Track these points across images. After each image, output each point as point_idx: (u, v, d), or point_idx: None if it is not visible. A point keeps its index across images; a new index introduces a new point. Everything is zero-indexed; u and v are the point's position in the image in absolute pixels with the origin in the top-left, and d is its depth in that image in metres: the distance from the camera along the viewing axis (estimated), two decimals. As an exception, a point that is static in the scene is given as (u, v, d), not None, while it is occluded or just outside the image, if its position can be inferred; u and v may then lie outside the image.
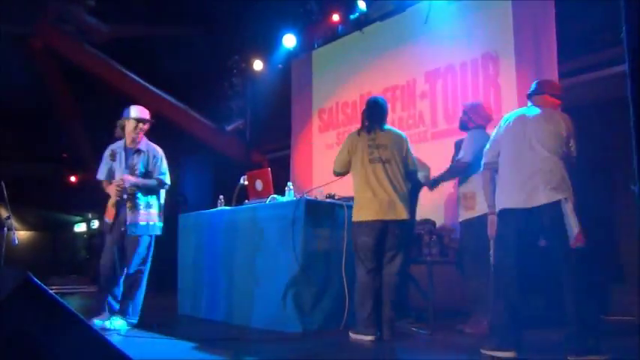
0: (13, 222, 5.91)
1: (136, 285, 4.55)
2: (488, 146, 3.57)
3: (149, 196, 4.64)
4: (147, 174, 4.64)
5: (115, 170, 4.63)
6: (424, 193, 4.73)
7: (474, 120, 4.42)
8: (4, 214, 6.04)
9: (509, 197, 3.33)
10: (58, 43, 9.45)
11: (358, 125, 4.24)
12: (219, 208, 5.33)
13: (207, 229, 5.33)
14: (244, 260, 4.72)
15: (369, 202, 3.95)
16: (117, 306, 4.47)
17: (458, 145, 4.55)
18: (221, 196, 5.43)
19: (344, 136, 7.24)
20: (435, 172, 4.65)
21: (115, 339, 3.86)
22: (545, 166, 3.22)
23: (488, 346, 3.20)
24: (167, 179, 4.73)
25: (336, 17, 7.73)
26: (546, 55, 5.25)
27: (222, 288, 4.95)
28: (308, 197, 4.51)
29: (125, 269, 4.51)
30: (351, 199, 4.24)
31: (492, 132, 3.63)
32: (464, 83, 6.07)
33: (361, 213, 3.99)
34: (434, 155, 5.44)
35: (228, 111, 9.69)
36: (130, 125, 4.64)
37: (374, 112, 4.17)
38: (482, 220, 3.92)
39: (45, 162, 13.81)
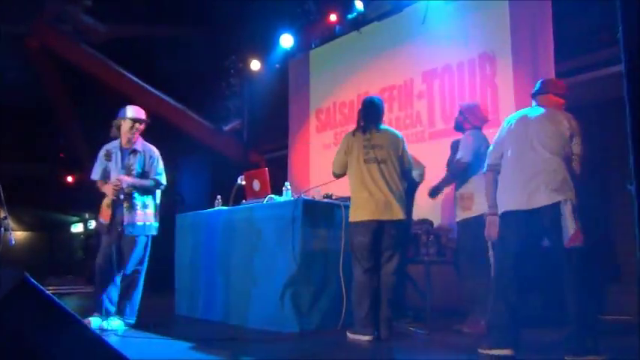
0: (10, 222, 5.89)
1: (133, 285, 4.55)
2: (491, 147, 3.56)
3: (145, 197, 4.63)
4: (143, 174, 4.63)
5: (110, 170, 4.59)
6: (421, 193, 4.73)
7: (470, 120, 4.43)
8: (1, 214, 6.02)
9: (510, 199, 3.33)
10: (55, 43, 9.45)
11: (355, 125, 4.24)
12: (216, 208, 5.33)
13: (204, 229, 5.33)
14: (242, 260, 4.72)
15: (366, 202, 3.96)
16: (112, 308, 4.45)
17: (454, 146, 4.55)
18: (218, 196, 5.43)
19: (341, 136, 7.23)
20: (433, 172, 4.66)
21: (112, 339, 3.86)
22: (547, 167, 3.21)
23: (486, 345, 3.21)
24: (163, 179, 4.72)
25: (333, 17, 7.73)
26: (543, 55, 5.26)
27: (220, 288, 4.95)
28: (305, 197, 4.51)
29: (122, 270, 4.50)
30: (349, 199, 4.24)
31: (496, 133, 3.62)
32: (461, 83, 6.08)
33: (357, 213, 4.00)
34: (431, 155, 5.45)
35: (226, 111, 9.68)
36: (126, 125, 4.62)
37: (369, 112, 4.17)
38: (479, 220, 3.93)
39: (42, 162, 13.79)
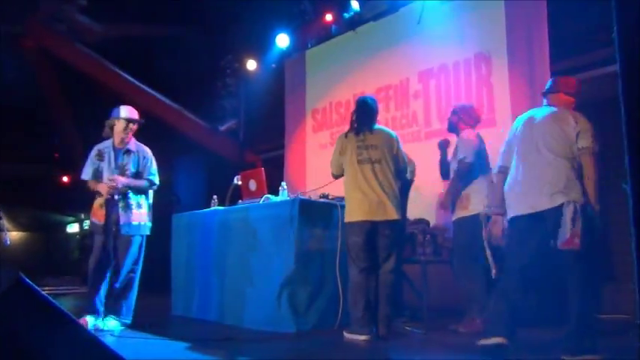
0: (5, 223, 5.87)
1: (129, 285, 4.54)
2: (503, 149, 3.57)
3: (139, 196, 4.64)
4: (137, 174, 4.63)
5: (102, 170, 4.57)
6: (417, 193, 4.74)
7: (465, 120, 4.43)
8: (-4, 215, 6.00)
9: (516, 202, 3.34)
10: (50, 43, 9.42)
11: (349, 126, 4.23)
12: (212, 208, 5.32)
13: (200, 229, 5.32)
14: (238, 260, 4.71)
15: (359, 202, 3.97)
16: (102, 308, 4.42)
17: (442, 146, 4.58)
18: (215, 196, 5.42)
19: (337, 136, 7.27)
20: (430, 171, 4.66)
21: (107, 339, 3.85)
22: (551, 169, 3.20)
23: (483, 337, 3.22)
24: (157, 180, 4.72)
25: (329, 17, 7.73)
26: (539, 54, 5.27)
27: (216, 288, 4.95)
28: (302, 197, 4.51)
29: (117, 270, 4.48)
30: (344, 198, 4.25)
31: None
32: (457, 83, 6.09)
33: (351, 214, 4.01)
34: (427, 155, 5.45)
35: (222, 111, 9.67)
36: (119, 125, 4.61)
37: (362, 113, 4.17)
38: (475, 219, 3.95)
39: (37, 162, 13.75)
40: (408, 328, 4.28)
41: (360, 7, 7.29)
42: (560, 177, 3.17)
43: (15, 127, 12.03)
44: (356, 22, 7.38)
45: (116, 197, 4.46)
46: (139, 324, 4.48)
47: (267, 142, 9.18)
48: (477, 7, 5.92)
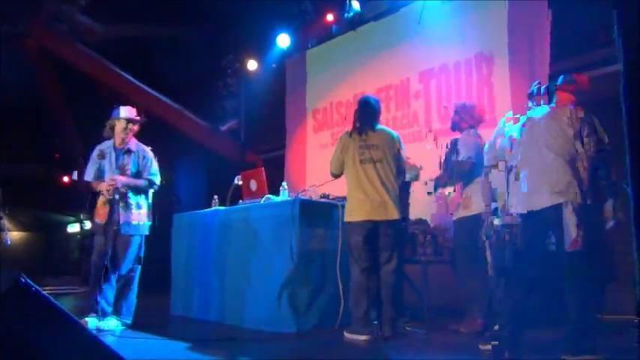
0: (6, 223, 5.87)
1: (129, 285, 4.56)
2: (513, 149, 3.56)
3: (139, 196, 4.65)
4: (137, 174, 4.65)
5: (104, 170, 4.60)
6: (417, 193, 4.73)
7: (467, 120, 4.43)
8: (-3, 215, 6.00)
9: (518, 202, 3.34)
10: (51, 43, 9.42)
11: (351, 126, 4.24)
12: (213, 208, 5.32)
13: (201, 229, 5.32)
14: (238, 260, 4.71)
15: (361, 202, 3.97)
16: (108, 308, 4.45)
17: (451, 147, 4.55)
18: (215, 196, 5.42)
19: (338, 136, 7.25)
20: (430, 172, 4.64)
21: (108, 339, 3.85)
22: (551, 169, 3.20)
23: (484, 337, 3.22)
24: (157, 179, 4.74)
25: (330, 17, 7.73)
26: (539, 55, 5.26)
27: (216, 288, 4.95)
28: (302, 197, 4.51)
29: (117, 270, 4.49)
30: (345, 198, 4.25)
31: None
32: (458, 83, 6.08)
33: (352, 213, 4.02)
34: (428, 155, 5.44)
35: (223, 111, 9.67)
36: (119, 125, 4.64)
37: (364, 112, 4.18)
38: (477, 218, 3.94)
39: (38, 162, 13.76)
40: (408, 328, 4.27)
41: (360, 7, 7.28)
42: (560, 177, 3.17)
43: (15, 127, 12.02)
44: (356, 22, 7.38)
45: (116, 197, 4.47)
46: (139, 324, 4.48)
47: (267, 142, 9.18)
48: (478, 7, 5.91)
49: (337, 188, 4.63)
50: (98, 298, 4.41)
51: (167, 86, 9.38)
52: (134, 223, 4.55)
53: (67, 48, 9.30)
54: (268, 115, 9.04)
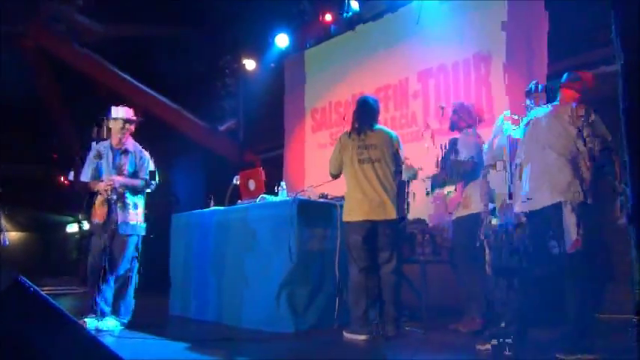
0: (4, 223, 5.87)
1: (127, 284, 4.58)
2: (517, 148, 3.57)
3: (135, 196, 4.67)
4: (134, 174, 4.67)
5: (101, 170, 4.61)
6: (415, 193, 4.73)
7: (466, 119, 4.43)
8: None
9: (522, 200, 3.34)
10: (49, 43, 9.40)
11: (350, 125, 4.24)
12: (211, 208, 5.32)
13: (199, 229, 5.32)
14: (237, 260, 4.71)
15: (359, 202, 3.98)
16: (107, 309, 4.45)
17: (451, 145, 4.55)
18: (211, 196, 5.42)
19: (337, 136, 7.25)
20: (427, 171, 4.64)
21: (107, 340, 3.85)
22: (553, 169, 3.21)
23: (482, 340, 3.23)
24: (154, 178, 4.75)
25: (328, 17, 7.73)
26: (537, 54, 5.27)
27: (214, 288, 4.94)
28: (301, 197, 4.51)
29: (115, 270, 4.50)
30: (344, 198, 4.26)
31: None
32: (456, 83, 6.09)
33: (351, 213, 4.02)
34: (427, 153, 5.44)
35: (221, 111, 9.67)
36: (116, 125, 4.66)
37: (363, 112, 4.19)
38: (476, 217, 3.94)
39: (36, 163, 13.73)
40: (407, 327, 4.27)
41: (359, 7, 7.29)
42: (561, 176, 3.17)
43: (14, 128, 12.01)
44: (355, 22, 7.38)
45: (114, 197, 4.48)
46: (137, 324, 4.48)
47: (266, 141, 9.17)
48: (476, 7, 5.92)
49: (336, 188, 4.63)
50: (97, 299, 4.40)
51: (165, 86, 9.37)
52: (132, 223, 4.56)
53: (65, 48, 9.29)
54: (267, 115, 9.04)
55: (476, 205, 4.09)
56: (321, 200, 4.66)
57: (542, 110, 3.46)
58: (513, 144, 3.76)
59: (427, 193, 4.52)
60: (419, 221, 4.89)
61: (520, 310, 3.21)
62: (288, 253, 4.21)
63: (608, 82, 3.25)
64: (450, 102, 5.74)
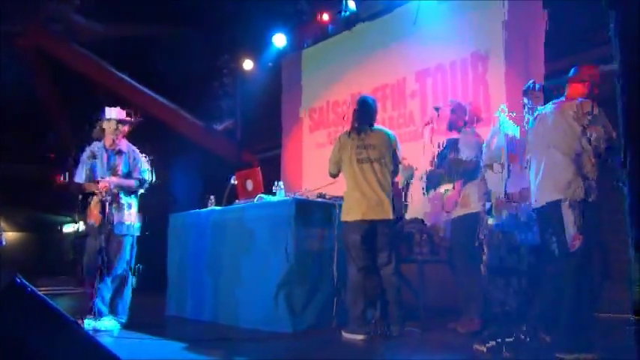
0: (1, 223, 5.86)
1: (124, 284, 4.60)
2: (526, 146, 3.58)
3: (129, 197, 4.69)
4: (128, 174, 4.69)
5: (95, 171, 4.63)
6: (413, 192, 4.73)
7: (463, 118, 4.43)
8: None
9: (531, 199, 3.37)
10: (47, 43, 9.38)
11: (349, 125, 4.25)
12: (209, 208, 5.31)
13: (197, 229, 5.31)
14: (234, 260, 4.71)
15: (358, 202, 3.99)
16: (105, 309, 4.45)
17: (452, 144, 4.53)
18: (211, 196, 5.42)
19: (334, 136, 7.26)
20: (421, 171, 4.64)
21: (104, 340, 3.84)
22: (556, 167, 3.21)
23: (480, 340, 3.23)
24: (147, 176, 4.76)
25: (325, 17, 7.73)
26: (534, 54, 5.28)
27: (212, 288, 4.94)
28: (299, 197, 4.51)
29: (112, 270, 4.50)
30: (341, 198, 4.26)
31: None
32: (454, 82, 6.10)
33: (349, 213, 4.03)
34: (423, 154, 5.44)
35: (219, 110, 9.66)
36: (110, 126, 4.68)
37: (363, 112, 4.20)
38: (475, 216, 3.95)
39: (33, 163, 13.69)
40: (405, 327, 4.27)
41: (356, 6, 7.29)
42: (564, 174, 3.16)
43: (11, 128, 11.98)
44: (352, 21, 7.38)
45: (108, 197, 4.49)
46: (135, 324, 4.48)
47: (263, 141, 9.17)
48: (473, 6, 5.92)
49: (333, 188, 4.63)
50: (94, 299, 4.40)
51: (163, 86, 9.36)
52: (127, 223, 4.59)
53: (63, 48, 9.27)
54: (264, 114, 9.04)
55: (475, 205, 4.10)
56: (319, 200, 4.66)
57: (549, 106, 3.45)
58: (511, 144, 3.77)
59: (424, 193, 4.52)
60: (416, 221, 4.89)
61: (519, 310, 3.21)
62: (285, 253, 4.21)
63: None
64: (447, 101, 5.75)
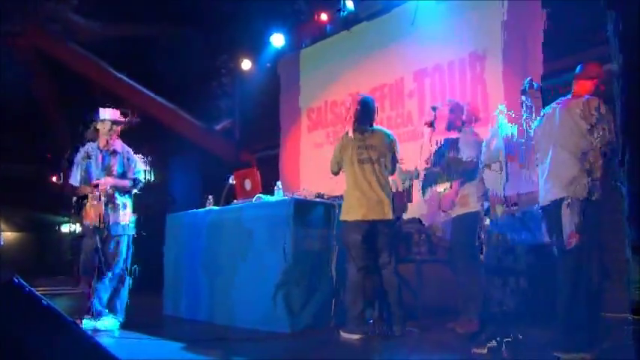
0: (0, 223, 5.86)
1: (122, 283, 4.61)
2: (537, 145, 3.58)
3: (124, 197, 4.71)
4: (123, 175, 4.70)
5: (90, 171, 4.63)
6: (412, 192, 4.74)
7: (461, 118, 4.43)
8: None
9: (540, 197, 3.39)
10: (45, 43, 9.37)
11: (350, 125, 4.25)
12: (207, 208, 5.31)
13: (195, 229, 5.31)
14: (232, 260, 4.71)
15: (358, 201, 4.00)
16: (102, 309, 4.45)
17: (451, 144, 4.53)
18: (210, 196, 5.41)
19: (333, 136, 7.27)
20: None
21: (103, 340, 3.83)
22: (562, 166, 3.21)
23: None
24: (141, 176, 4.78)
25: (324, 17, 7.72)
26: (532, 53, 5.28)
27: (210, 288, 4.94)
28: (297, 197, 4.51)
29: (109, 270, 4.50)
30: (340, 197, 4.27)
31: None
32: (452, 82, 6.10)
33: (350, 212, 4.03)
34: (420, 154, 5.44)
35: (217, 110, 9.66)
36: (104, 127, 4.69)
37: (364, 113, 4.21)
38: (475, 216, 3.95)
39: (31, 163, 13.68)
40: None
41: (354, 6, 7.28)
42: (568, 173, 3.16)
43: (9, 128, 11.96)
44: (350, 21, 7.38)
45: (103, 198, 4.49)
46: (133, 324, 4.47)
47: (262, 141, 9.17)
48: (472, 6, 5.93)
49: (332, 187, 4.63)
50: (92, 300, 4.40)
51: (161, 86, 9.35)
52: (122, 223, 4.61)
53: (61, 48, 9.26)
54: (262, 114, 9.03)
55: (474, 204, 4.10)
56: (318, 200, 4.66)
57: (555, 104, 3.45)
58: (509, 145, 3.77)
59: (423, 194, 4.51)
60: (414, 221, 4.89)
61: (517, 310, 3.22)
62: (283, 253, 4.21)
63: (605, 81, 3.25)
64: (446, 101, 5.75)
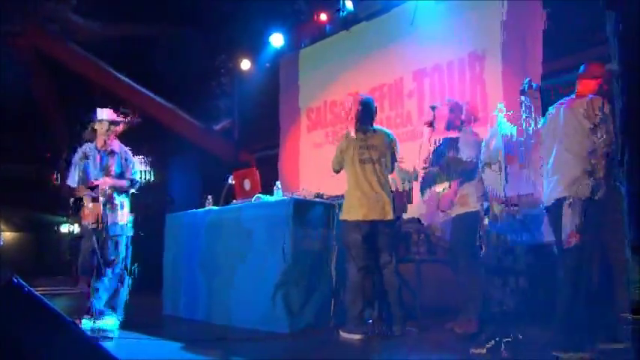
0: (-2, 223, 5.86)
1: (121, 283, 4.62)
2: (542, 145, 3.59)
3: (122, 197, 4.71)
4: (121, 175, 4.71)
5: (88, 172, 4.63)
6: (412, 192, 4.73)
7: (462, 118, 4.43)
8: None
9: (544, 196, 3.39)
10: (45, 43, 9.37)
11: (352, 125, 4.25)
12: (206, 208, 5.31)
13: (194, 229, 5.30)
14: (232, 260, 4.70)
15: (359, 201, 4.00)
16: (103, 309, 4.45)
17: (450, 144, 4.52)
18: (209, 196, 5.41)
19: (332, 136, 7.27)
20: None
21: (102, 340, 3.83)
22: (565, 166, 3.21)
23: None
24: (138, 177, 4.79)
25: (323, 17, 7.72)
26: (531, 53, 5.28)
27: (209, 288, 4.94)
28: (297, 197, 4.51)
29: (108, 270, 4.50)
30: (339, 197, 4.27)
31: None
32: (451, 82, 6.10)
33: (350, 211, 4.03)
34: (419, 153, 5.43)
35: (216, 110, 9.66)
36: (102, 127, 4.69)
37: (365, 113, 4.21)
38: (475, 215, 3.95)
39: (30, 163, 13.67)
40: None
41: (354, 6, 7.28)
42: (571, 173, 3.16)
43: (8, 128, 11.95)
44: (350, 21, 7.38)
45: (102, 199, 4.50)
46: (132, 324, 4.47)
47: (261, 141, 9.16)
48: (471, 6, 5.93)
49: (331, 187, 4.63)
50: (91, 299, 4.40)
51: (160, 86, 9.35)
52: (120, 223, 4.62)
53: (60, 48, 9.26)
54: (262, 114, 9.03)
55: (474, 204, 4.10)
56: (317, 200, 4.66)
57: (558, 104, 3.45)
58: (508, 145, 3.77)
59: (421, 194, 4.51)
60: (413, 220, 4.89)
61: (517, 310, 3.22)
62: (283, 253, 4.21)
63: (607, 81, 3.25)
64: (445, 101, 5.74)
